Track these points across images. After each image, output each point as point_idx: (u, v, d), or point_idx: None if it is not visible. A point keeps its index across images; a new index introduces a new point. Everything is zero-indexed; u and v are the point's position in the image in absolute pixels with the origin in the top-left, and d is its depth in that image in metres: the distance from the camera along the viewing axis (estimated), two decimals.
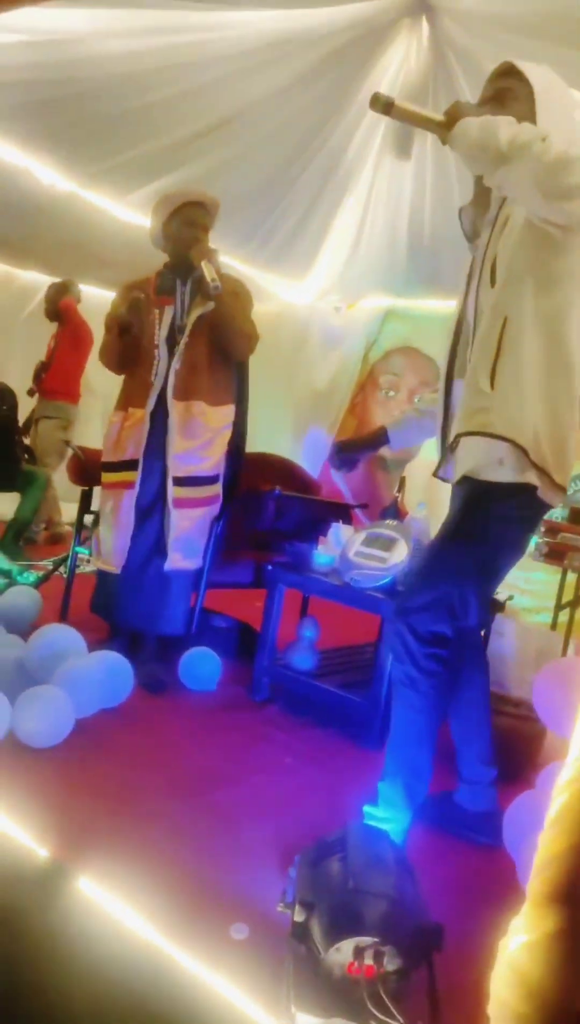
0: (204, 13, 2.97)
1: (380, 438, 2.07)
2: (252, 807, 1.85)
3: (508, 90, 1.64)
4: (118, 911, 1.37)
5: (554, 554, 3.13)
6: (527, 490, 1.61)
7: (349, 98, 3.54)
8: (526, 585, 4.38)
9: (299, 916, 1.23)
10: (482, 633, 1.94)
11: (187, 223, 2.58)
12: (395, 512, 4.79)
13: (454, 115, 1.53)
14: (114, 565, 2.61)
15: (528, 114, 1.59)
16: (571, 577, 3.34)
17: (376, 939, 1.15)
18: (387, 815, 1.65)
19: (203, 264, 2.44)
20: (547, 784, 1.57)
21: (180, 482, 2.54)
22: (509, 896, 1.56)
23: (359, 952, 1.15)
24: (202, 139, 3.72)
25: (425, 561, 1.73)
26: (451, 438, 1.71)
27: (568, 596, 3.36)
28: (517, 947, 0.91)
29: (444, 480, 1.83)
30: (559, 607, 3.35)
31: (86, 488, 3.18)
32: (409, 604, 1.64)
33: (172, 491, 2.53)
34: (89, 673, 2.17)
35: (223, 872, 1.55)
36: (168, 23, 3.02)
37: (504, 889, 1.60)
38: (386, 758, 1.70)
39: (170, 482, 2.53)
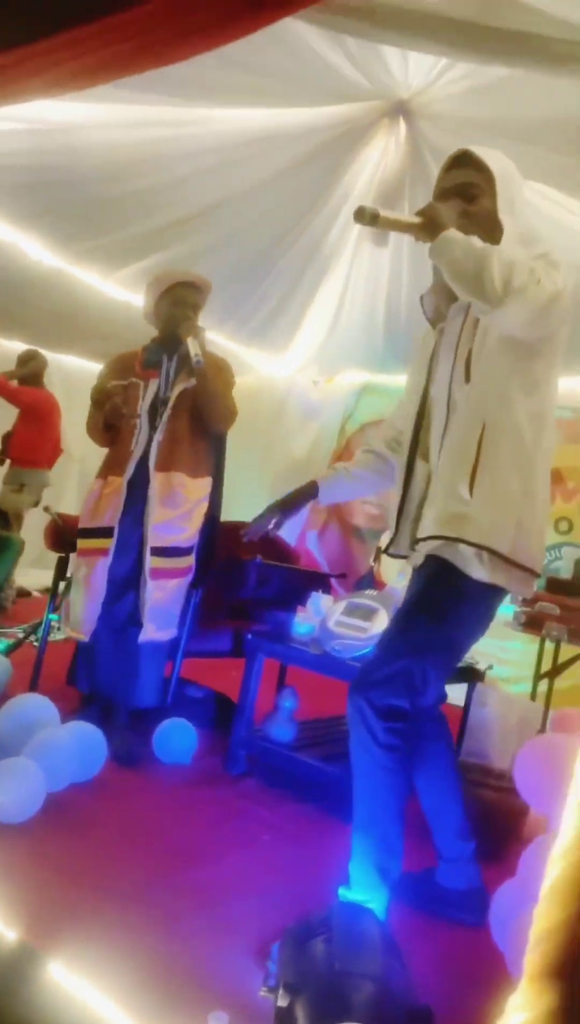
0: (190, 109, 3.15)
1: (310, 492, 2.03)
2: (230, 886, 1.79)
3: (473, 185, 1.71)
4: (92, 998, 1.30)
5: (532, 623, 3.15)
6: (498, 588, 1.64)
7: (330, 190, 3.74)
8: (503, 655, 4.37)
9: (283, 1001, 1.18)
10: (442, 706, 1.92)
11: (177, 302, 2.68)
12: (371, 582, 4.83)
13: (431, 217, 1.58)
14: (83, 632, 2.58)
15: (491, 206, 1.68)
16: (549, 646, 3.35)
17: None
18: (363, 896, 1.58)
19: (189, 340, 2.52)
20: (530, 867, 1.54)
21: (158, 552, 2.54)
22: (497, 978, 1.51)
23: None
24: (187, 223, 3.89)
25: (386, 635, 1.72)
26: (419, 530, 1.72)
27: (546, 665, 3.36)
28: None
29: (394, 556, 1.85)
30: (538, 677, 3.34)
31: (63, 555, 3.16)
32: (368, 678, 1.61)
33: (149, 561, 2.52)
34: (61, 745, 2.10)
35: (201, 955, 1.49)
36: (156, 117, 3.19)
37: (491, 970, 1.55)
38: (353, 839, 1.63)
39: (148, 552, 2.52)
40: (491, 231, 1.65)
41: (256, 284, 4.46)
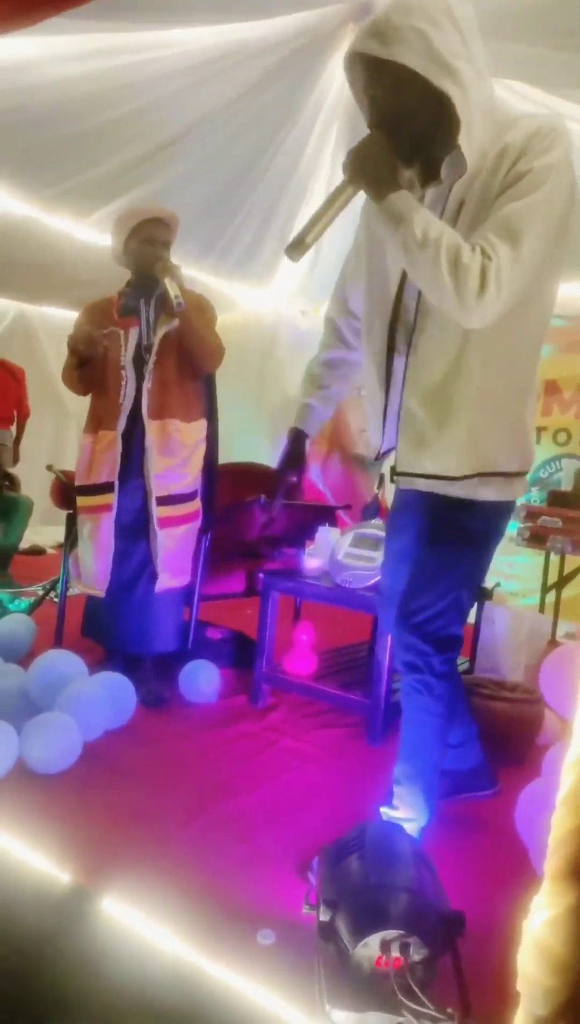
0: (146, 33, 2.99)
1: (301, 439, 1.93)
2: (266, 815, 1.88)
3: (392, 104, 1.40)
4: (144, 929, 1.39)
5: (535, 538, 3.19)
6: (511, 504, 1.64)
7: (299, 104, 3.58)
8: (510, 570, 4.45)
9: (325, 916, 1.26)
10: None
11: (147, 240, 2.58)
12: (377, 510, 4.84)
13: (355, 180, 1.39)
14: (98, 588, 2.61)
15: (426, 107, 1.37)
16: (554, 559, 3.40)
17: (401, 931, 1.19)
18: (407, 815, 1.65)
19: (166, 281, 2.45)
20: (553, 769, 1.62)
21: (162, 501, 2.54)
22: (523, 879, 1.60)
23: (386, 945, 1.18)
24: (156, 156, 3.74)
25: (423, 567, 1.64)
26: (413, 456, 1.62)
27: (552, 578, 3.42)
28: (540, 924, 0.95)
29: (384, 456, 1.77)
30: (545, 589, 3.41)
31: (71, 511, 3.18)
32: (421, 615, 1.59)
33: (156, 511, 2.54)
34: (93, 696, 2.18)
35: (245, 882, 1.58)
36: (111, 45, 3.03)
37: (518, 873, 1.64)
38: (401, 763, 1.68)
39: (153, 503, 2.53)
40: (442, 136, 1.40)
41: (233, 214, 4.31)
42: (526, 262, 1.36)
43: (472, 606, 1.67)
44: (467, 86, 1.33)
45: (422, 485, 1.63)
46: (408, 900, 1.22)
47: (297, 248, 1.38)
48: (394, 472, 1.67)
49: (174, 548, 2.57)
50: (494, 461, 1.56)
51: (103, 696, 2.22)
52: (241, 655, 3.00)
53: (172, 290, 2.42)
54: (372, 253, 1.66)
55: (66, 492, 3.15)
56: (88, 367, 2.60)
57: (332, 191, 1.42)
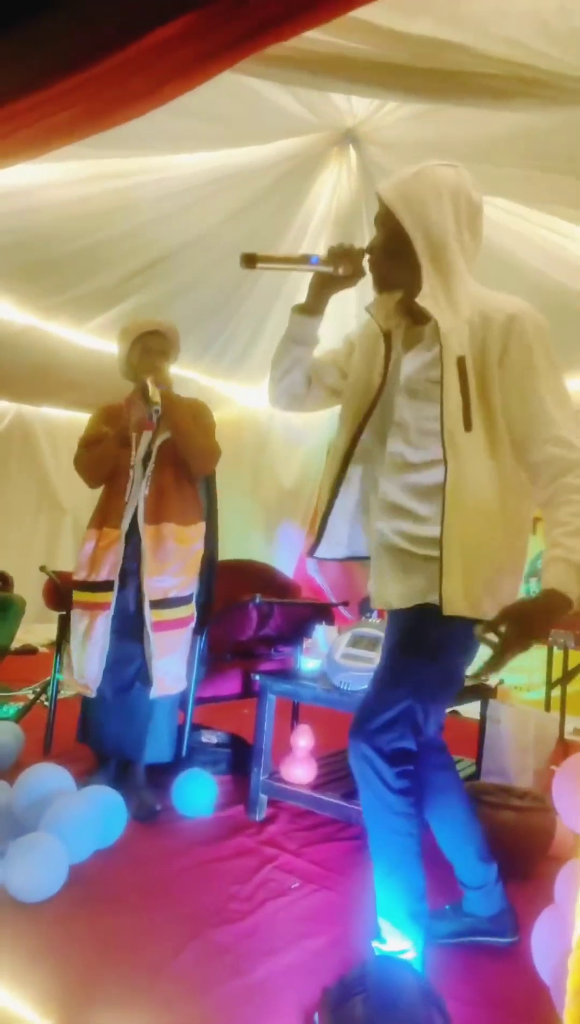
0: (145, 159, 3.19)
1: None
2: (263, 944, 1.76)
3: (381, 237, 1.60)
4: None
5: None
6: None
7: (288, 222, 3.78)
8: (514, 663, 4.36)
9: None
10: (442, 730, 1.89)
11: (145, 351, 2.68)
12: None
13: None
14: (90, 687, 2.55)
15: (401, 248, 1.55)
16: (557, 653, 3.34)
17: None
18: (397, 946, 1.52)
19: (149, 383, 2.52)
20: (565, 894, 1.52)
21: (157, 604, 2.52)
22: (540, 1011, 1.48)
23: None
24: (151, 269, 3.91)
25: (381, 677, 1.63)
26: (394, 591, 1.65)
27: (556, 673, 3.35)
28: None
29: (319, 558, 1.79)
30: (550, 685, 3.33)
31: (64, 612, 3.14)
32: (370, 724, 1.54)
33: (150, 615, 2.50)
34: (80, 813, 2.08)
35: (241, 1022, 1.46)
36: (113, 170, 3.22)
37: (533, 1003, 1.52)
38: (377, 889, 1.57)
39: (147, 606, 2.51)
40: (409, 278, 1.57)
41: (226, 321, 4.49)
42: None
43: (433, 719, 1.59)
44: (441, 260, 1.54)
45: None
46: None
47: (247, 260, 1.59)
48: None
49: (169, 653, 2.52)
50: (474, 602, 1.52)
51: (92, 814, 2.11)
52: (238, 759, 2.89)
53: (152, 395, 2.49)
54: (361, 362, 1.74)
55: (59, 593, 3.11)
56: (108, 460, 2.62)
57: (303, 255, 1.69)
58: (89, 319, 4.37)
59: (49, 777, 2.19)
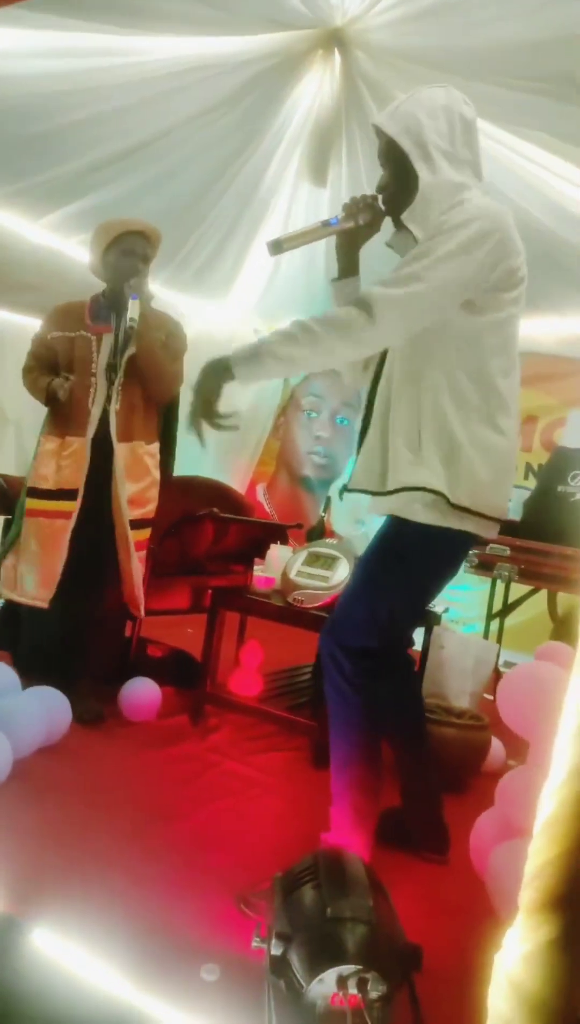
0: (120, 37, 2.95)
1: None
2: (209, 839, 1.80)
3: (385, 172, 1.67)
4: (78, 963, 1.29)
5: (482, 566, 3.22)
6: (461, 532, 1.62)
7: (266, 124, 3.58)
8: (452, 597, 4.49)
9: (276, 949, 1.19)
10: (416, 648, 1.96)
11: (126, 253, 2.50)
12: (321, 533, 4.83)
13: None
14: (43, 599, 2.48)
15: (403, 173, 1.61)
16: (499, 586, 3.43)
17: (358, 967, 1.13)
18: (344, 839, 1.60)
19: (129, 299, 2.39)
20: (507, 797, 1.59)
21: (134, 525, 2.46)
22: (478, 911, 1.57)
23: (342, 981, 1.12)
24: (118, 163, 3.68)
25: (353, 581, 1.75)
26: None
27: (497, 606, 3.45)
28: (514, 960, 0.90)
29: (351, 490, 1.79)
30: (490, 616, 3.43)
31: (9, 517, 3.04)
32: (339, 622, 1.66)
33: (131, 535, 2.45)
34: (25, 710, 2.06)
35: (187, 911, 1.49)
36: (84, 46, 2.97)
37: (473, 904, 1.61)
38: (332, 782, 1.66)
39: (128, 525, 2.44)
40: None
41: (193, 227, 4.27)
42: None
43: (399, 627, 1.68)
44: (437, 173, 1.58)
45: (369, 506, 1.71)
46: (365, 933, 1.17)
47: (275, 247, 1.63)
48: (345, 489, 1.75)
49: (139, 572, 2.49)
50: (422, 478, 1.57)
51: (36, 710, 2.10)
52: (182, 674, 2.90)
53: (130, 311, 2.36)
54: None
55: (4, 496, 3.01)
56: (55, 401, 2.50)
57: (322, 222, 1.68)
58: (44, 213, 4.09)
59: None
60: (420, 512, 1.60)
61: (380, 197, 1.68)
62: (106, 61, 3.05)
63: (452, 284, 1.51)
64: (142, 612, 2.53)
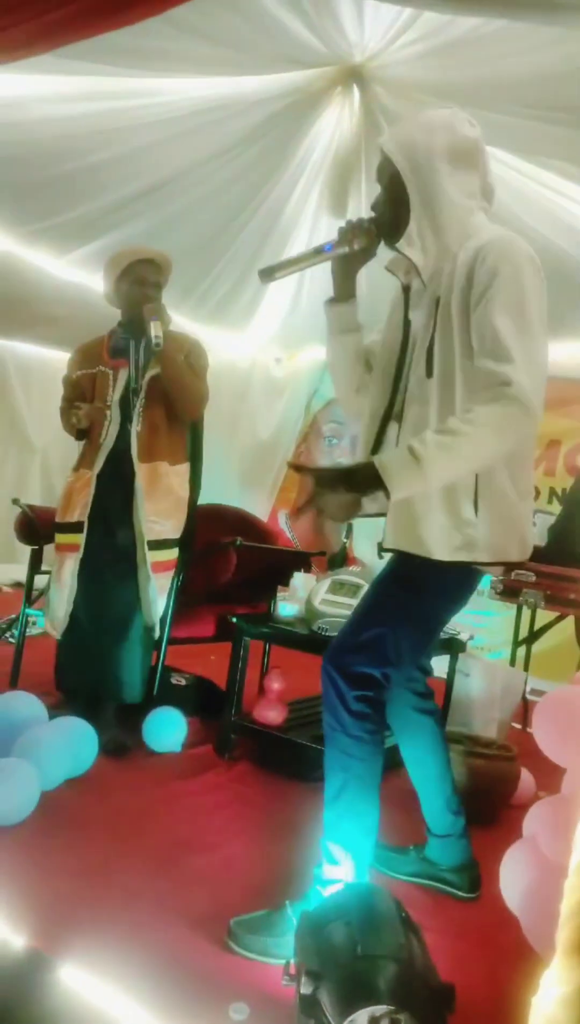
0: (140, 80, 3.04)
1: None
2: (237, 874, 1.78)
3: (383, 191, 1.61)
4: (106, 999, 1.27)
5: (508, 591, 3.19)
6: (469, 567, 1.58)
7: (286, 159, 3.65)
8: (477, 624, 4.44)
9: (306, 988, 1.16)
10: (433, 676, 1.92)
11: (137, 282, 2.58)
12: (344, 560, 4.83)
13: None
14: (56, 629, 2.53)
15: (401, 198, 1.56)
16: (525, 612, 3.39)
17: (391, 1007, 1.10)
18: (334, 872, 1.52)
19: (150, 322, 2.43)
20: (536, 828, 1.56)
21: (153, 546, 2.48)
22: (509, 946, 1.53)
23: (375, 1022, 1.10)
24: (140, 200, 3.77)
25: (360, 605, 1.69)
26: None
27: (523, 633, 3.41)
28: (551, 1001, 0.88)
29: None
30: (517, 643, 3.39)
31: (36, 547, 3.08)
32: (340, 646, 1.59)
33: (149, 556, 2.47)
34: (52, 742, 2.07)
35: (215, 946, 1.47)
36: (106, 89, 3.07)
37: (503, 939, 1.57)
38: (325, 814, 1.57)
39: (145, 548, 2.47)
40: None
41: (214, 261, 4.36)
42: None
43: (403, 658, 1.60)
44: (431, 199, 1.53)
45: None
46: (398, 972, 1.14)
47: (266, 274, 1.62)
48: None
49: (162, 594, 2.52)
50: (455, 542, 1.52)
51: (63, 742, 2.10)
52: (206, 703, 2.89)
53: (153, 331, 2.41)
54: (389, 322, 1.74)
55: (31, 526, 3.05)
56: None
57: (315, 248, 1.65)
58: (70, 250, 4.20)
59: (22, 704, 2.17)
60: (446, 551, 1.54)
61: (374, 218, 1.62)
62: (130, 103, 3.14)
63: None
64: (157, 633, 2.52)
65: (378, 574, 1.72)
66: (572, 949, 0.87)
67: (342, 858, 1.51)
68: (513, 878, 1.55)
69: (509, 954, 1.49)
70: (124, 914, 1.55)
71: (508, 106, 2.81)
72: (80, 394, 2.63)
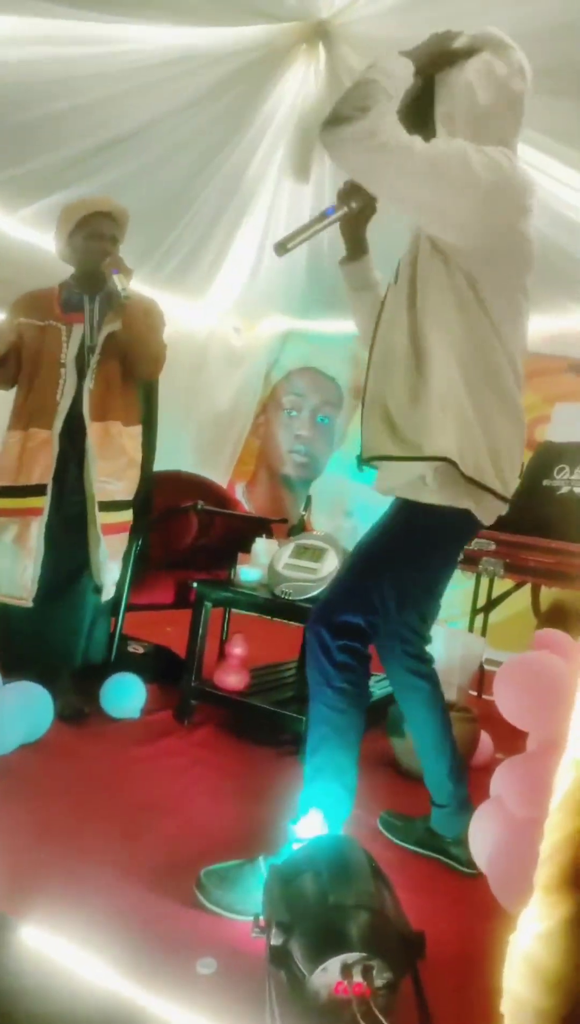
0: (102, 25, 2.91)
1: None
2: (200, 834, 1.76)
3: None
4: (71, 960, 1.24)
5: (468, 560, 3.21)
6: (457, 512, 1.57)
7: (249, 119, 3.56)
8: None
9: (277, 939, 1.15)
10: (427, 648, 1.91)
11: (93, 235, 2.46)
12: (301, 531, 4.81)
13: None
14: (25, 597, 2.41)
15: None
16: (483, 581, 3.43)
17: (363, 954, 1.10)
18: (309, 825, 1.50)
19: (114, 276, 2.33)
20: (503, 787, 1.57)
21: (104, 507, 2.39)
22: (477, 900, 1.55)
23: (346, 970, 1.09)
24: (98, 155, 3.62)
25: (348, 558, 1.72)
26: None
27: (480, 602, 3.45)
28: (531, 939, 0.88)
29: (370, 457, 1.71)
30: (475, 611, 3.43)
31: None
32: (329, 598, 1.61)
33: (99, 517, 2.37)
34: (6, 706, 2.00)
35: (181, 904, 1.45)
36: (64, 33, 2.92)
37: (472, 893, 1.59)
38: (305, 765, 1.57)
39: (96, 508, 2.37)
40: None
41: (173, 223, 4.23)
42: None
43: (392, 605, 1.59)
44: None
45: (374, 483, 1.65)
46: (369, 920, 1.14)
47: (280, 248, 1.63)
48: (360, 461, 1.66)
49: (114, 557, 2.43)
50: (440, 446, 1.49)
51: (18, 706, 2.04)
52: (165, 671, 2.85)
53: (119, 283, 2.31)
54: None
55: None
56: (2, 365, 2.44)
57: (320, 214, 1.66)
58: (20, 207, 4.02)
59: None
60: (426, 494, 1.54)
61: None
62: (89, 50, 3.00)
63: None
64: (107, 595, 2.44)
65: (369, 530, 1.69)
66: (552, 886, 0.87)
67: (318, 811, 1.50)
68: (482, 836, 1.56)
69: (479, 908, 1.51)
70: (88, 875, 1.51)
71: None
72: (16, 343, 2.47)
